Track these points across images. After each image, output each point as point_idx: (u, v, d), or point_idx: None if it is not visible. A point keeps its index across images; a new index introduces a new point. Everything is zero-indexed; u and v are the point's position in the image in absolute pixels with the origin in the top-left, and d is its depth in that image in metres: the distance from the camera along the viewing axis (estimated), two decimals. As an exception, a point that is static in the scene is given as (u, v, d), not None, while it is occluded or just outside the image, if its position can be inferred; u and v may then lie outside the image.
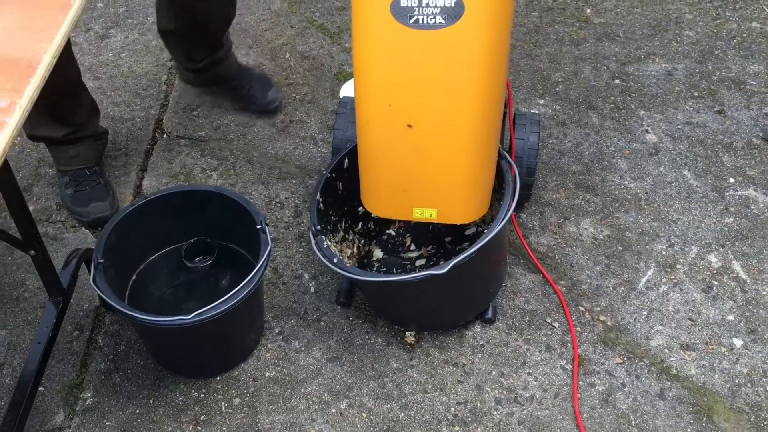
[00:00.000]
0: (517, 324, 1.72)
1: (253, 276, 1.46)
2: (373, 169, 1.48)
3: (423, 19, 1.27)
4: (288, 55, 2.46)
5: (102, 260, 1.50)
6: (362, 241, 1.80)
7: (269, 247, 1.52)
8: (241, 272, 1.51)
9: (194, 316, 1.41)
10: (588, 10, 2.61)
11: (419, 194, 1.46)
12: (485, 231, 1.47)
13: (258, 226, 1.55)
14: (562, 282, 1.80)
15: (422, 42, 1.29)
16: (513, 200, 1.49)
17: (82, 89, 1.89)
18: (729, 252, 1.85)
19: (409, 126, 1.35)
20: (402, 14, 1.28)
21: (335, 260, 1.51)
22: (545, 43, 2.48)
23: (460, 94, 1.33)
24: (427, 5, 1.27)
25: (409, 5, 1.27)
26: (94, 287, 1.46)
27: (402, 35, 1.29)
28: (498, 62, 1.33)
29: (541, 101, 2.28)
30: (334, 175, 1.67)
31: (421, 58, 1.30)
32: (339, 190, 1.69)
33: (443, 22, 1.27)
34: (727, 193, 1.98)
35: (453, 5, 1.26)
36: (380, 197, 1.51)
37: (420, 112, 1.35)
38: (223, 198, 1.64)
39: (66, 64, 1.74)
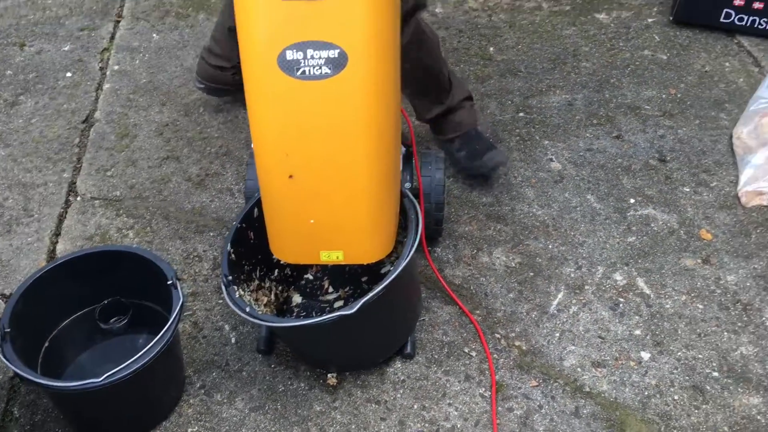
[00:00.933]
0: (436, 356, 1.75)
1: (164, 333, 1.46)
2: (277, 217, 1.51)
3: (309, 71, 1.33)
4: (202, 109, 2.49)
5: (9, 329, 1.48)
6: (280, 288, 1.82)
7: (181, 302, 1.52)
8: (158, 330, 1.51)
9: (105, 377, 1.40)
10: (491, 49, 2.73)
11: (324, 238, 1.50)
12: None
13: (169, 282, 1.56)
14: (477, 311, 1.85)
15: (311, 92, 1.34)
16: (416, 238, 1.54)
17: None
18: (633, 269, 1.94)
19: (291, 177, 1.39)
20: (289, 67, 1.33)
21: (247, 309, 1.53)
22: (452, 83, 2.57)
23: (352, 139, 1.38)
24: (312, 57, 1.32)
25: (295, 58, 1.32)
26: (0, 357, 1.43)
27: (291, 87, 1.34)
28: (386, 106, 1.39)
29: (451, 138, 2.36)
30: (244, 225, 1.69)
31: (311, 107, 1.35)
32: (251, 240, 1.71)
33: (329, 72, 1.33)
34: (629, 214, 2.08)
35: (337, 56, 1.32)
36: (287, 243, 1.54)
37: (316, 159, 1.40)
38: (134, 256, 1.64)
39: None
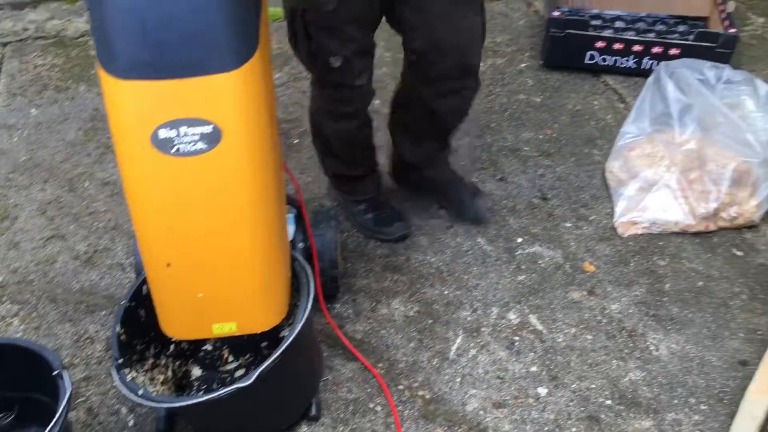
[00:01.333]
0: (342, 416, 1.75)
1: (51, 428, 1.40)
2: (164, 294, 1.49)
3: (184, 147, 1.33)
4: (87, 183, 2.43)
5: None
6: (177, 363, 1.78)
7: (68, 393, 1.46)
8: (48, 423, 1.44)
9: (-12, 484, 1.32)
10: (377, 102, 2.76)
11: (215, 311, 1.49)
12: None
13: (55, 372, 1.50)
14: (380, 365, 1.87)
15: (188, 169, 1.34)
16: (308, 301, 1.56)
17: None
18: (525, 307, 2.01)
19: (168, 265, 1.39)
20: (163, 145, 1.32)
21: (140, 392, 1.49)
22: (341, 138, 2.62)
23: (233, 211, 1.38)
24: (186, 134, 1.32)
25: (169, 136, 1.32)
26: None
27: (167, 165, 1.33)
28: (265, 175, 1.41)
29: (343, 193, 2.39)
30: (134, 303, 1.65)
31: (189, 183, 1.35)
32: (142, 318, 1.67)
33: (204, 147, 1.33)
34: (517, 253, 2.17)
35: (211, 131, 1.33)
36: (176, 320, 1.52)
37: (199, 234, 1.39)
38: (17, 348, 1.57)
39: None
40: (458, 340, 1.93)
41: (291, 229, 1.90)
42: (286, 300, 1.58)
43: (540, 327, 1.96)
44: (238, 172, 1.36)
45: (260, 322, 1.53)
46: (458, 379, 1.83)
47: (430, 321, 1.98)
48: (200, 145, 1.33)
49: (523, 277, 2.10)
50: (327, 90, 1.97)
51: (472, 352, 1.90)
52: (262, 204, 1.41)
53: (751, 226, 2.19)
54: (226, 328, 1.52)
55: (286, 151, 2.57)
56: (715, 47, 2.69)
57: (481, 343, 1.92)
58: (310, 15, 1.75)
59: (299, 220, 1.94)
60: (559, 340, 1.92)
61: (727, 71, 2.37)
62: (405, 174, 2.31)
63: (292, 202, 1.95)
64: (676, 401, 1.77)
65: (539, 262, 2.14)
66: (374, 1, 1.81)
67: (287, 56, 3.08)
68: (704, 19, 2.99)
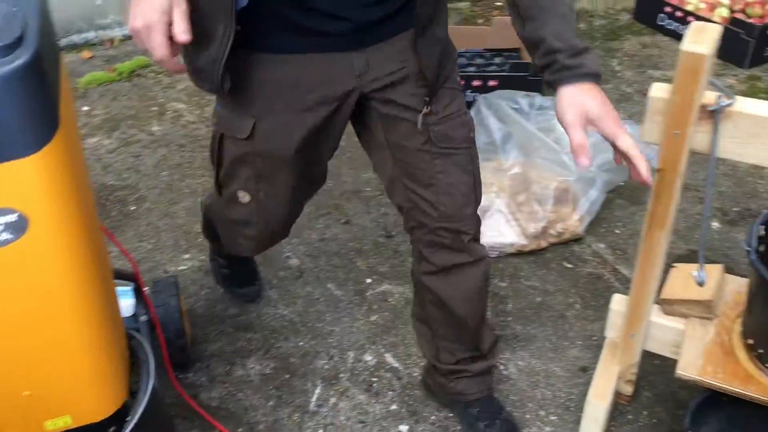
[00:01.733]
0: (203, 491, 1.69)
1: None
2: (-16, 399, 1.38)
3: (-13, 240, 1.25)
4: None
5: None
6: (16, 467, 1.64)
7: None
8: None
9: None
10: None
11: (45, 407, 1.39)
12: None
13: None
14: (240, 430, 1.82)
15: (-6, 262, 1.26)
16: (149, 380, 1.50)
17: None
18: (380, 347, 2.04)
19: None
20: (-38, 241, 1.23)
21: None
22: (181, 199, 2.57)
23: (50, 301, 1.31)
24: (-11, 225, 1.24)
25: (-33, 230, 1.24)
26: None
27: (-31, 261, 1.24)
28: (83, 256, 1.34)
29: (187, 255, 2.34)
30: (-45, 411, 1.52)
31: (-2, 277, 1.27)
32: (-33, 425, 1.53)
33: (10, 237, 1.25)
34: (368, 294, 2.20)
35: (16, 219, 1.25)
36: (2, 422, 1.41)
37: (16, 331, 1.30)
38: None
39: None
40: (317, 391, 1.92)
41: (131, 303, 1.82)
42: (124, 382, 1.51)
43: (396, 364, 1.99)
44: (51, 259, 1.29)
45: (97, 411, 1.45)
46: (321, 431, 1.82)
47: (287, 375, 1.96)
48: (5, 236, 1.25)
49: (376, 317, 2.13)
50: (231, 218, 1.65)
51: (333, 400, 1.90)
52: (81, 288, 1.35)
53: (577, 239, 2.36)
54: (61, 422, 1.42)
55: (122, 219, 2.48)
56: (528, 76, 2.89)
57: (341, 390, 1.92)
58: (226, 139, 1.51)
59: (139, 292, 1.87)
60: (416, 374, 1.96)
61: (538, 98, 2.56)
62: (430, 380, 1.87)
63: (128, 276, 1.87)
64: (528, 416, 1.85)
65: (389, 299, 2.18)
66: (314, 145, 1.54)
67: (116, 120, 2.99)
68: (518, 50, 3.22)
